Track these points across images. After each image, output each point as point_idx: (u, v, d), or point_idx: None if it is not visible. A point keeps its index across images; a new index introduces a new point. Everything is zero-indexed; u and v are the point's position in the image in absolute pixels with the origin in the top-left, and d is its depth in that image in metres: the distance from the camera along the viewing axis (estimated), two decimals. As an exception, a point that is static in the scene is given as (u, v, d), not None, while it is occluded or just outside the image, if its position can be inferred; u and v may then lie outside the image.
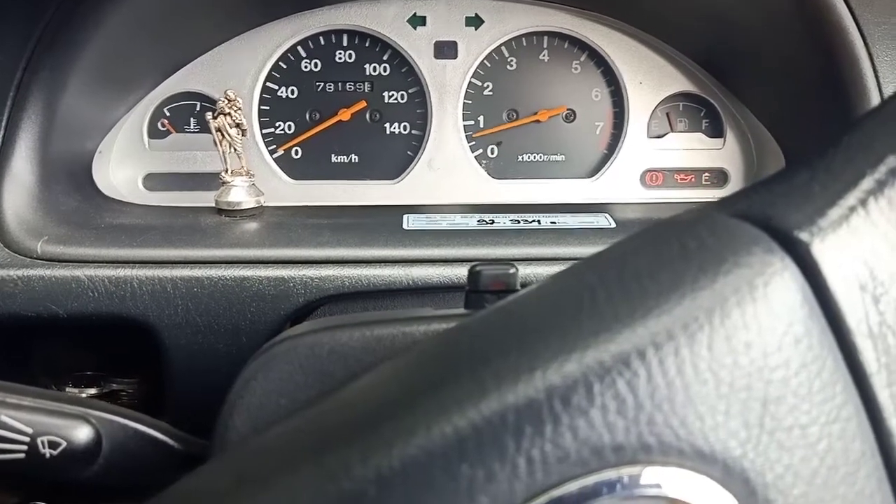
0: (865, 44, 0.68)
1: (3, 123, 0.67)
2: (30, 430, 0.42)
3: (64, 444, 0.42)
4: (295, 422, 0.34)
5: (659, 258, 0.31)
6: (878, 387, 0.28)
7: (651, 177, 0.89)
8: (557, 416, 0.26)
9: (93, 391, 0.74)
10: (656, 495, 0.26)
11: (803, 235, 0.29)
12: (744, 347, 0.27)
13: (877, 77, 0.69)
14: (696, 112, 0.89)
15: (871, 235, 0.29)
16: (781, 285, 0.28)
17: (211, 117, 0.74)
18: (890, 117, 0.32)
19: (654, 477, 0.26)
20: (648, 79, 0.87)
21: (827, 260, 0.29)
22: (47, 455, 0.42)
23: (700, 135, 0.89)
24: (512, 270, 0.46)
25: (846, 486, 0.27)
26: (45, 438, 0.42)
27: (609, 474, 0.26)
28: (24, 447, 0.42)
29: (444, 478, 0.26)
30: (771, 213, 0.31)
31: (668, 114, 0.89)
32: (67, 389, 0.73)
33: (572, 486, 0.26)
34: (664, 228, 0.33)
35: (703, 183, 0.89)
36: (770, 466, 0.27)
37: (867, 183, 0.30)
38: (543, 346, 0.28)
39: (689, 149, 0.89)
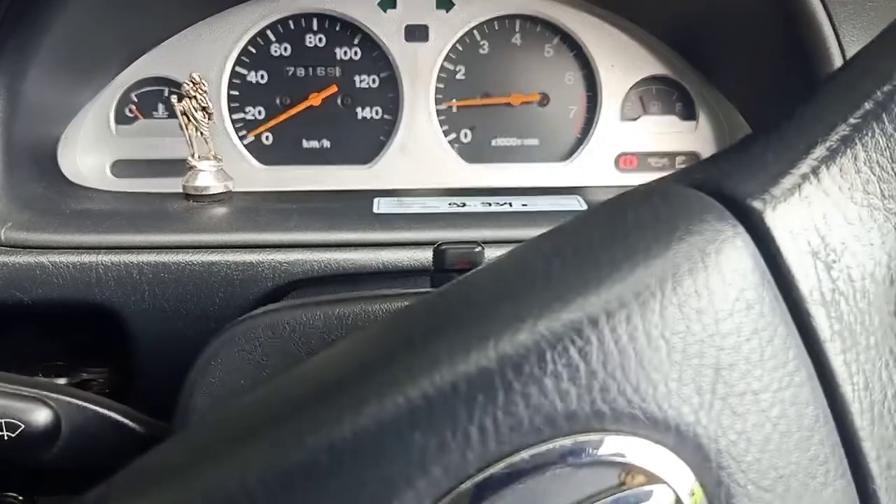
0: (832, 23, 0.68)
1: None
2: None
3: (22, 426, 0.42)
4: (250, 396, 0.34)
5: (613, 228, 0.31)
6: (832, 353, 0.28)
7: (625, 160, 0.89)
8: (509, 385, 0.26)
9: (62, 381, 0.73)
10: (610, 462, 0.26)
11: (756, 203, 0.29)
12: (696, 314, 0.27)
13: (844, 57, 0.69)
14: (668, 95, 0.89)
15: (822, 203, 0.29)
16: (733, 253, 0.28)
17: (176, 101, 0.73)
18: (841, 88, 0.32)
19: (608, 445, 0.26)
20: (621, 62, 0.87)
21: (779, 227, 0.29)
22: (5, 437, 0.42)
23: (673, 117, 0.89)
24: (478, 249, 0.47)
25: (800, 452, 0.27)
26: (4, 420, 0.42)
27: (562, 442, 0.26)
28: None
29: (397, 447, 0.26)
30: (724, 183, 0.31)
31: (640, 97, 0.89)
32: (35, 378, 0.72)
33: (525, 455, 0.26)
34: (620, 199, 0.33)
35: (677, 166, 0.89)
36: (723, 433, 0.27)
37: (819, 151, 0.30)
38: (496, 316, 0.28)
39: (663, 132, 0.89)
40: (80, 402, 0.44)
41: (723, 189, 0.30)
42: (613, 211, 0.33)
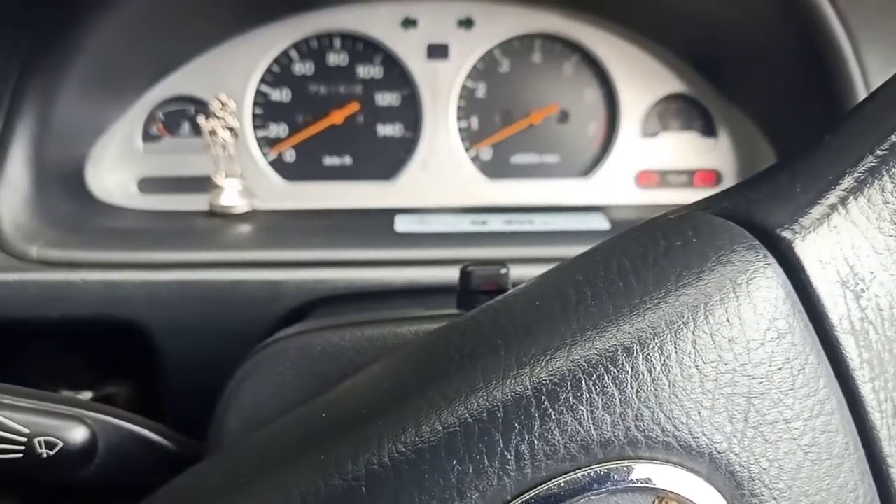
0: (853, 44, 0.69)
1: None
2: (27, 431, 0.42)
3: (60, 444, 0.43)
4: (286, 420, 0.35)
5: (644, 256, 0.31)
6: (861, 381, 0.29)
7: (644, 177, 0.90)
8: (545, 412, 0.26)
9: (88, 394, 0.74)
10: (643, 489, 0.27)
11: (786, 233, 0.30)
12: (728, 344, 0.28)
13: (864, 76, 0.69)
14: (688, 111, 0.89)
15: (851, 233, 0.30)
16: (764, 282, 0.29)
17: (203, 120, 0.75)
18: (868, 120, 0.32)
19: (642, 472, 0.27)
20: (641, 79, 0.88)
21: (809, 257, 0.29)
22: (44, 455, 0.43)
23: (693, 134, 0.89)
24: (503, 270, 0.47)
25: (830, 479, 0.28)
26: (41, 439, 0.43)
27: (597, 469, 0.26)
28: (22, 447, 0.42)
29: (434, 473, 0.26)
30: (754, 212, 0.31)
31: (660, 113, 0.89)
32: (63, 392, 0.73)
33: (561, 481, 0.26)
34: (650, 226, 0.34)
35: (696, 184, 0.90)
36: (755, 461, 0.27)
37: (847, 182, 0.30)
38: (531, 343, 0.28)
39: (682, 148, 0.89)
40: (116, 421, 0.44)
41: (752, 219, 0.31)
42: (643, 238, 0.33)
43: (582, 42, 0.87)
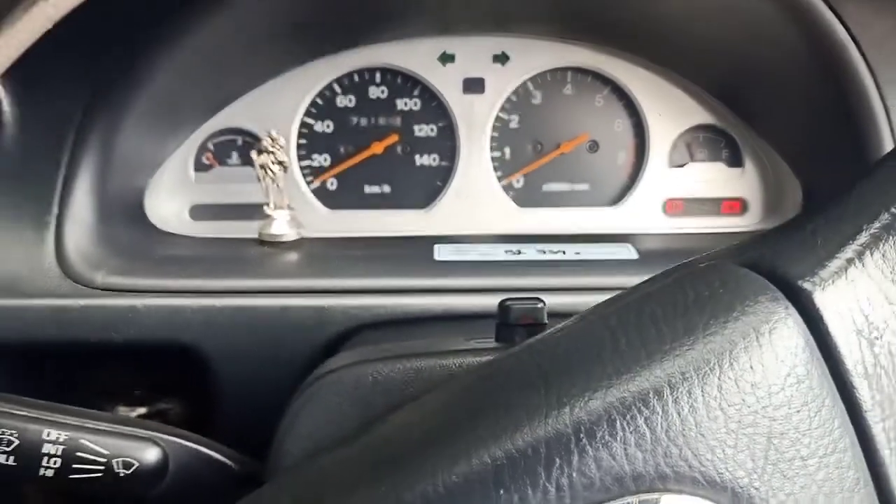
0: (876, 83, 0.71)
1: (65, 164, 0.71)
2: (106, 452, 0.47)
3: (136, 464, 0.47)
4: (346, 450, 0.38)
5: (674, 304, 0.34)
6: (873, 421, 0.31)
7: (671, 205, 0.92)
8: (584, 448, 0.29)
9: (142, 410, 0.78)
10: None
11: (806, 285, 0.32)
12: (750, 388, 0.30)
13: (887, 112, 0.72)
14: (715, 142, 0.92)
15: (866, 285, 0.32)
16: (785, 332, 0.31)
17: (255, 155, 0.79)
18: (885, 179, 0.35)
19: (670, 503, 0.29)
20: (668, 111, 0.91)
21: (827, 308, 0.32)
22: (121, 474, 0.47)
23: (720, 164, 0.92)
24: (540, 305, 0.50)
25: None
26: (119, 459, 0.47)
27: (629, 500, 0.29)
28: (102, 467, 0.46)
29: (483, 502, 0.29)
30: (776, 264, 0.34)
31: (688, 144, 0.92)
32: (119, 409, 0.77)
33: None
34: (680, 275, 0.37)
35: (722, 212, 0.92)
36: (773, 494, 0.30)
37: (864, 238, 0.33)
38: (570, 384, 0.31)
39: (709, 178, 0.92)
40: (185, 443, 0.48)
41: (775, 270, 0.34)
42: (673, 287, 0.36)
43: (612, 75, 0.90)
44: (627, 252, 0.80)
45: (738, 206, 0.92)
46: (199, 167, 0.89)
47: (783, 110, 0.85)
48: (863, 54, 0.71)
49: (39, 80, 0.69)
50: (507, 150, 0.92)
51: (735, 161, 0.92)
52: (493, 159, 0.92)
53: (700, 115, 0.91)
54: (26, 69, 0.41)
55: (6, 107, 0.69)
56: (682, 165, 0.92)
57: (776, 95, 0.84)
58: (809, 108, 0.80)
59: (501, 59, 0.90)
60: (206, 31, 0.74)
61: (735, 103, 0.90)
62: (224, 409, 0.70)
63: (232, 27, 0.76)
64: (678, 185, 0.92)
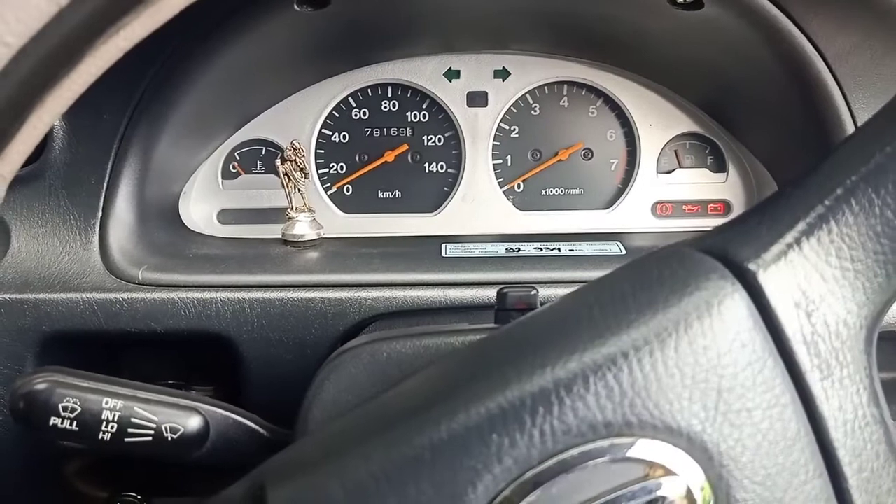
0: (843, 93, 0.77)
1: (108, 170, 0.78)
2: (156, 419, 0.52)
3: (181, 429, 0.52)
4: (365, 409, 0.42)
5: (640, 282, 0.38)
6: (811, 381, 0.35)
7: (661, 207, 0.98)
8: (562, 400, 0.33)
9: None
10: (637, 459, 0.33)
11: (751, 266, 0.36)
12: (702, 350, 0.34)
13: (854, 121, 0.77)
14: (701, 150, 0.98)
15: (804, 266, 0.36)
16: (732, 305, 0.35)
17: (279, 163, 0.86)
18: (822, 176, 0.38)
19: (636, 446, 0.33)
20: (658, 121, 0.97)
21: (769, 285, 0.36)
22: (169, 438, 0.52)
23: (705, 170, 0.98)
24: (533, 292, 0.56)
25: (784, 456, 0.34)
26: (167, 425, 0.52)
27: (601, 443, 0.33)
28: (152, 432, 0.52)
29: (480, 445, 0.34)
30: (727, 249, 0.38)
31: (675, 151, 0.98)
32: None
33: (574, 451, 0.33)
34: (646, 259, 0.41)
35: (709, 213, 0.98)
36: (724, 439, 0.33)
37: (801, 226, 0.37)
38: (552, 349, 0.36)
39: (695, 182, 0.98)
40: (223, 412, 0.54)
41: (727, 254, 0.38)
42: (641, 269, 0.40)
43: (605, 88, 0.97)
44: (615, 248, 0.86)
45: (723, 207, 0.98)
46: (227, 175, 0.96)
47: (762, 120, 0.91)
48: (828, 66, 0.76)
49: (86, 96, 0.75)
50: (509, 158, 0.99)
51: (719, 167, 0.98)
52: (495, 166, 0.98)
53: (686, 124, 0.97)
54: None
55: (56, 121, 0.76)
56: (670, 171, 0.98)
57: (755, 107, 0.90)
58: (785, 118, 0.86)
59: (502, 74, 0.97)
60: (235, 53, 0.81)
61: (719, 114, 0.96)
62: (253, 391, 0.76)
63: (258, 49, 0.83)
64: (667, 189, 0.98)
